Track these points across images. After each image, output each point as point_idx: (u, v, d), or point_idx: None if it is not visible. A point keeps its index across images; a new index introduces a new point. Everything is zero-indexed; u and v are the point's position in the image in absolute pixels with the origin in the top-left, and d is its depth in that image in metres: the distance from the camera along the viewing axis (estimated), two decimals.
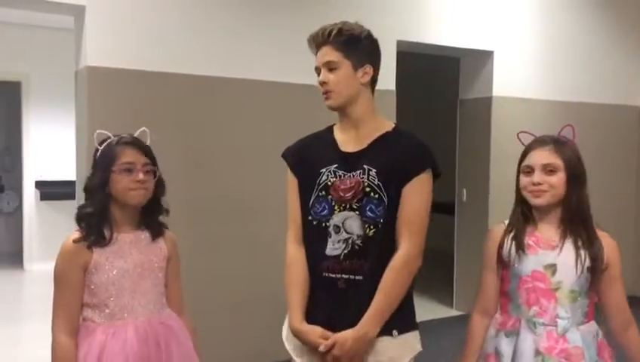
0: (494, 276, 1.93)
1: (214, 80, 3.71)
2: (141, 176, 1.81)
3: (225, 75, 3.74)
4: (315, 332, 1.79)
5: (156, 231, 1.93)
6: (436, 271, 5.66)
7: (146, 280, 1.86)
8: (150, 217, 1.92)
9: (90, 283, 1.79)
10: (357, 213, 1.81)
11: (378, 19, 4.27)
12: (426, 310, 5.09)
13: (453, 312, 5.26)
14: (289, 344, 1.93)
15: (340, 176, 1.84)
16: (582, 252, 1.79)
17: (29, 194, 6.82)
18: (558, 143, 1.84)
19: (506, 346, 1.85)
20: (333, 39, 1.82)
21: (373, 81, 1.91)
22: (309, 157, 1.93)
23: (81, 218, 1.82)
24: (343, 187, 1.82)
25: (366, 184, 1.81)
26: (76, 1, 3.33)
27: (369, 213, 1.80)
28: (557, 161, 1.81)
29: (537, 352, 1.79)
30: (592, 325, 1.86)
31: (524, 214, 1.89)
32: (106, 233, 1.80)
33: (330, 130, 1.98)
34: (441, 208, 5.36)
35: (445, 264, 5.54)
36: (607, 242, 1.85)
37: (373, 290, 1.79)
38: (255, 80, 3.83)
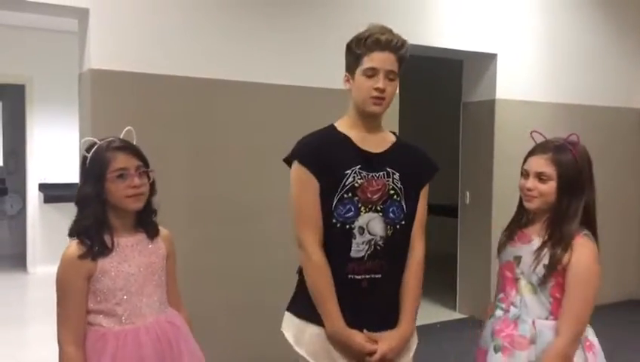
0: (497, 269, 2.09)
1: (216, 82, 3.72)
2: (136, 180, 1.78)
3: (226, 78, 3.75)
4: (360, 335, 1.84)
5: (153, 231, 1.91)
6: (439, 274, 5.65)
7: (150, 282, 1.85)
8: (145, 218, 1.90)
9: (96, 290, 1.76)
10: (380, 214, 1.86)
11: (381, 22, 4.27)
12: (428, 313, 5.07)
13: (456, 315, 5.24)
14: (303, 348, 1.89)
15: (366, 177, 1.86)
16: (545, 250, 1.86)
17: (33, 196, 6.84)
18: (558, 151, 1.87)
19: (486, 326, 2.03)
20: (399, 52, 1.86)
21: None
22: (329, 157, 1.87)
23: (80, 232, 1.77)
24: (371, 189, 1.85)
25: (390, 187, 1.88)
26: (80, 4, 3.34)
27: (391, 214, 1.87)
28: (550, 170, 1.86)
29: (492, 333, 1.94)
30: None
31: (521, 212, 2.00)
32: (107, 240, 1.77)
33: (334, 128, 1.96)
34: (444, 211, 5.37)
35: (448, 266, 5.53)
36: (581, 251, 1.82)
37: (390, 286, 1.90)
38: (256, 82, 3.84)
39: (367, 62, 1.84)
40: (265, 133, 3.86)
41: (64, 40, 6.25)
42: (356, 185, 1.84)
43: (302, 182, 1.87)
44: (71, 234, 1.80)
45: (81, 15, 3.47)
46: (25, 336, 4.77)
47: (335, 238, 1.85)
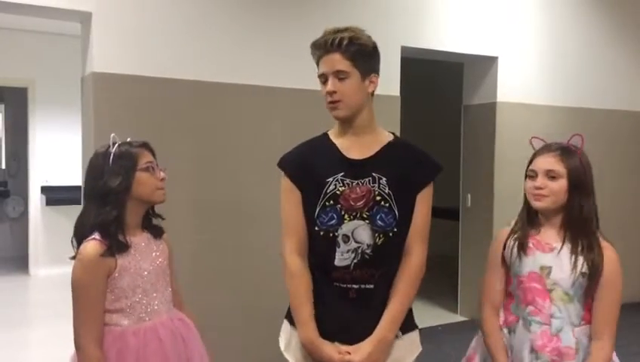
0: (497, 274, 2.01)
1: (219, 86, 3.73)
2: (163, 174, 1.86)
3: (230, 81, 3.76)
4: (331, 346, 1.79)
5: (158, 230, 1.95)
6: (440, 277, 5.65)
7: (160, 280, 1.89)
8: (149, 219, 1.94)
9: (114, 289, 1.76)
10: (367, 221, 1.79)
11: (382, 24, 4.29)
12: (430, 315, 5.08)
13: (458, 318, 5.25)
14: (290, 354, 1.90)
15: (349, 185, 1.80)
16: (580, 258, 1.83)
17: (35, 199, 6.85)
18: (564, 151, 1.87)
19: (508, 342, 1.94)
20: (345, 48, 1.77)
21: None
22: (312, 165, 1.87)
23: (100, 226, 1.76)
24: (353, 196, 1.79)
25: (377, 192, 1.79)
26: (83, 7, 3.35)
27: (379, 221, 1.79)
28: (560, 168, 1.84)
29: (532, 349, 1.86)
30: (590, 328, 1.88)
31: (530, 217, 1.94)
32: (121, 238, 1.78)
33: (325, 135, 1.94)
34: (446, 213, 5.37)
35: (449, 269, 5.53)
36: (608, 254, 1.85)
37: (383, 297, 1.82)
38: (260, 86, 3.85)
39: (319, 69, 1.85)
40: (269, 137, 3.86)
41: (66, 43, 6.29)
42: (338, 192, 1.80)
43: (285, 192, 1.91)
44: (86, 231, 1.77)
45: (84, 19, 3.48)
46: (26, 338, 4.76)
47: (319, 246, 1.84)
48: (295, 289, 1.85)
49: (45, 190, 6.79)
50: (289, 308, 1.94)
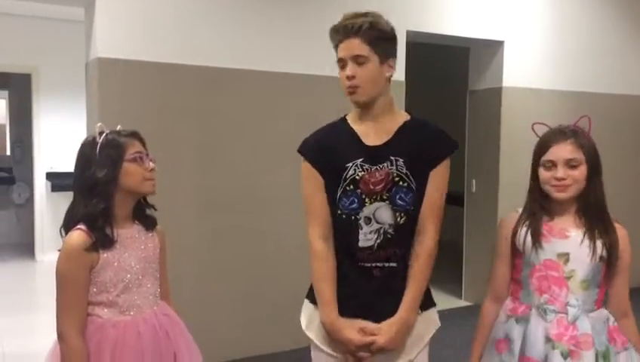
0: (506, 263, 1.97)
1: (226, 71, 3.72)
2: (152, 164, 1.82)
3: (236, 67, 3.75)
4: (352, 326, 1.82)
5: (150, 222, 1.92)
6: (445, 262, 5.65)
7: (147, 274, 1.86)
8: (142, 210, 1.90)
9: (96, 281, 1.75)
10: (387, 202, 1.82)
11: (387, 9, 4.22)
12: (435, 300, 5.09)
13: (462, 303, 5.26)
14: (313, 333, 1.93)
15: (368, 170, 1.83)
16: (598, 242, 1.81)
17: (40, 185, 6.89)
18: (578, 136, 1.84)
19: (516, 332, 1.88)
20: (364, 33, 1.78)
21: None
22: (332, 151, 1.89)
23: (87, 219, 1.73)
24: (373, 180, 1.82)
25: (395, 174, 1.82)
26: None
27: (399, 201, 1.82)
28: (580, 155, 1.82)
29: (547, 339, 1.82)
30: (602, 311, 1.88)
31: (541, 205, 1.89)
32: (108, 231, 1.75)
33: (344, 120, 1.95)
34: (451, 199, 5.34)
35: (454, 255, 5.53)
36: (621, 234, 1.86)
37: (406, 275, 1.85)
38: (267, 71, 3.83)
39: (338, 54, 1.85)
40: (277, 123, 3.86)
41: (70, 29, 6.26)
42: (357, 177, 1.83)
43: (307, 177, 1.92)
44: (73, 223, 1.77)
45: (88, 3, 3.46)
46: (33, 324, 4.80)
47: (342, 229, 1.87)
48: (318, 270, 1.87)
49: (50, 176, 6.81)
50: (310, 288, 1.96)
